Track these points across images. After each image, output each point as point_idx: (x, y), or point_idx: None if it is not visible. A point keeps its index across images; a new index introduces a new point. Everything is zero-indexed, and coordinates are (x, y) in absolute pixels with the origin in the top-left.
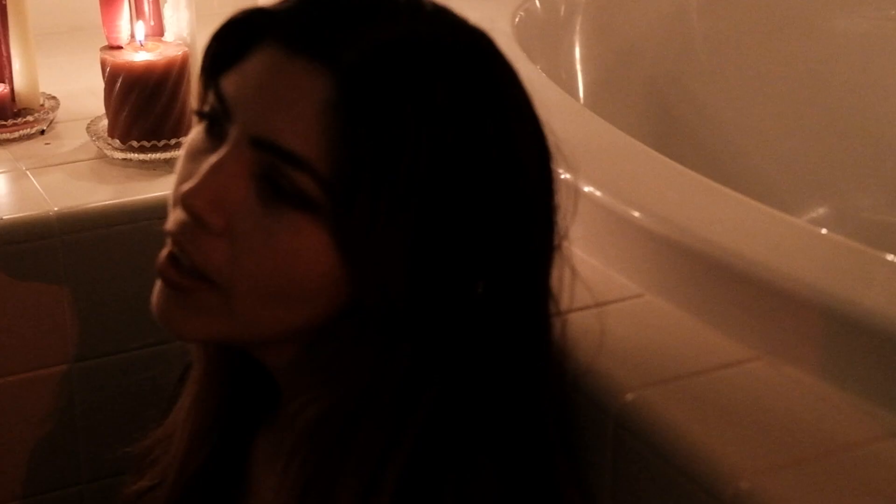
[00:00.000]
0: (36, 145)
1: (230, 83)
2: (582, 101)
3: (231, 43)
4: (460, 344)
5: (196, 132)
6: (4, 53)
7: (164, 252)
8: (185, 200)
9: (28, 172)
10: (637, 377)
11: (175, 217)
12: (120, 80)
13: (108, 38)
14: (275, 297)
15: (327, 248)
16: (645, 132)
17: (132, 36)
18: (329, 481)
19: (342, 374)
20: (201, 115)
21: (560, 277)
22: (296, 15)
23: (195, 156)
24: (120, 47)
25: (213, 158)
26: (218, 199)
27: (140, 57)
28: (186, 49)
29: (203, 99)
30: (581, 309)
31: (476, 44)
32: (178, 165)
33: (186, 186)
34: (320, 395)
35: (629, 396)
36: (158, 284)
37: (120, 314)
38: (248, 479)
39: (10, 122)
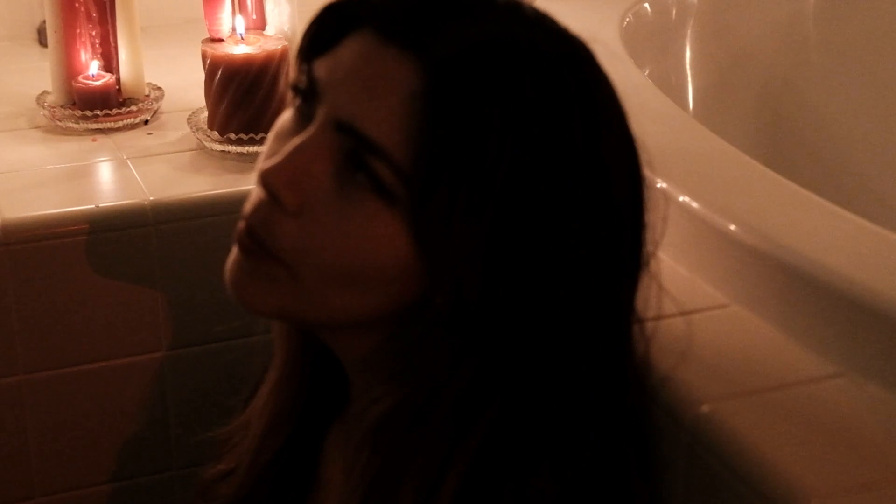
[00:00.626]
0: (138, 135)
1: (323, 67)
2: (691, 105)
3: (328, 27)
4: (531, 351)
5: (287, 113)
6: (112, 44)
7: (242, 223)
8: (264, 177)
9: (128, 161)
10: (715, 388)
11: (253, 195)
12: (219, 73)
13: (209, 31)
14: (344, 282)
15: (401, 239)
16: (756, 139)
17: (233, 29)
18: (393, 480)
19: (409, 373)
20: (296, 89)
21: (646, 287)
22: (392, 4)
23: (283, 136)
24: (221, 40)
25: (297, 139)
26: (296, 179)
27: (240, 50)
28: (286, 43)
29: (298, 78)
30: (665, 317)
31: (573, 52)
32: (266, 144)
33: (268, 164)
34: (387, 392)
35: (705, 408)
36: (233, 254)
37: (210, 304)
38: (319, 470)
39: (114, 111)
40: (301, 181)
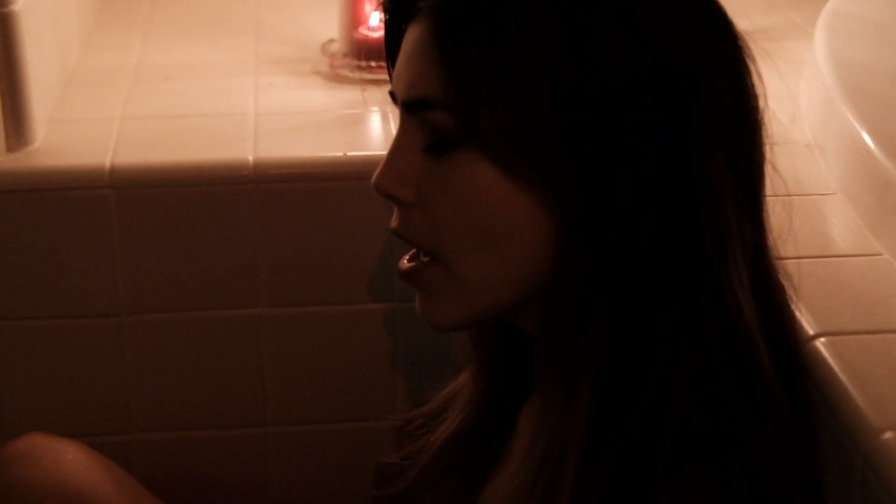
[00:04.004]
0: None
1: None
2: None
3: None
4: (650, 246)
5: None
6: None
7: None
8: (375, 186)
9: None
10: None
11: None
12: None
13: None
14: (480, 246)
15: (493, 175)
16: None
17: None
18: (546, 391)
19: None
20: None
21: None
22: None
23: None
24: None
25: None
26: (401, 174)
27: None
28: None
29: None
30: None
31: None
32: None
33: (375, 174)
34: None
35: (888, 435)
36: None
37: None
38: (510, 442)
39: None
40: (405, 174)
